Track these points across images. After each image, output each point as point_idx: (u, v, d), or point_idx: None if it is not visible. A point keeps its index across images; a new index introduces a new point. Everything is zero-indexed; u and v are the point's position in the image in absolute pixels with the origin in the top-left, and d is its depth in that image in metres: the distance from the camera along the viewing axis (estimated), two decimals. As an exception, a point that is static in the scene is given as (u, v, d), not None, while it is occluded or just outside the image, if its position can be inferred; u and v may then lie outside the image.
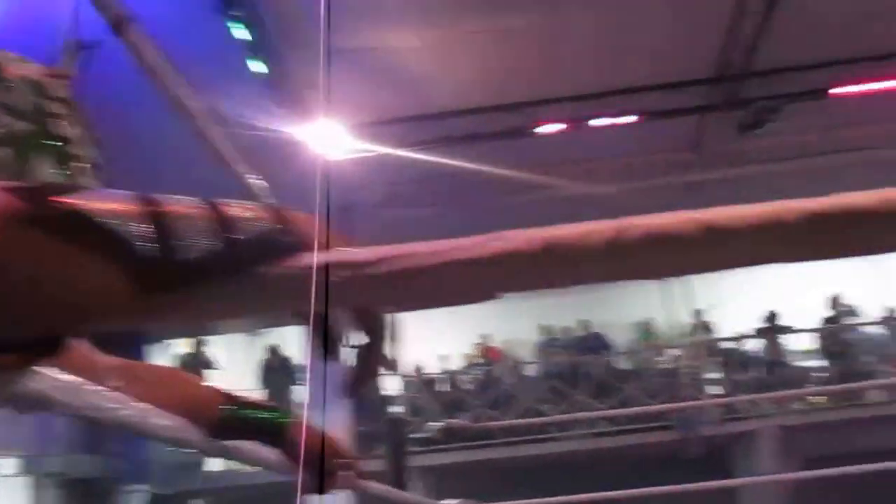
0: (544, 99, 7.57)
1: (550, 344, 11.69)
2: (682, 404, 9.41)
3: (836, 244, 0.59)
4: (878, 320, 10.50)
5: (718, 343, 10.87)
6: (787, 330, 10.43)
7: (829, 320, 10.49)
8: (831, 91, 7.63)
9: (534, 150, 8.11)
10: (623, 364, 11.45)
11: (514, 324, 11.84)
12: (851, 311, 10.75)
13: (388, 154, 7.62)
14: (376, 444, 6.48)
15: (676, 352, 10.95)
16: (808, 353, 10.75)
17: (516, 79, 7.46)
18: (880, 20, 6.75)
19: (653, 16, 6.85)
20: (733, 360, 10.52)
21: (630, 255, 0.58)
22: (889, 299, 10.58)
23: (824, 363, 10.39)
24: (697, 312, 11.21)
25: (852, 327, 10.50)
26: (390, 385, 9.97)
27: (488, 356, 11.51)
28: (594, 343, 11.42)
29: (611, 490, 5.43)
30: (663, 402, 9.88)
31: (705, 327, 11.14)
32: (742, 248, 0.59)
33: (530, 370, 11.62)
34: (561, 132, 7.77)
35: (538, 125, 7.80)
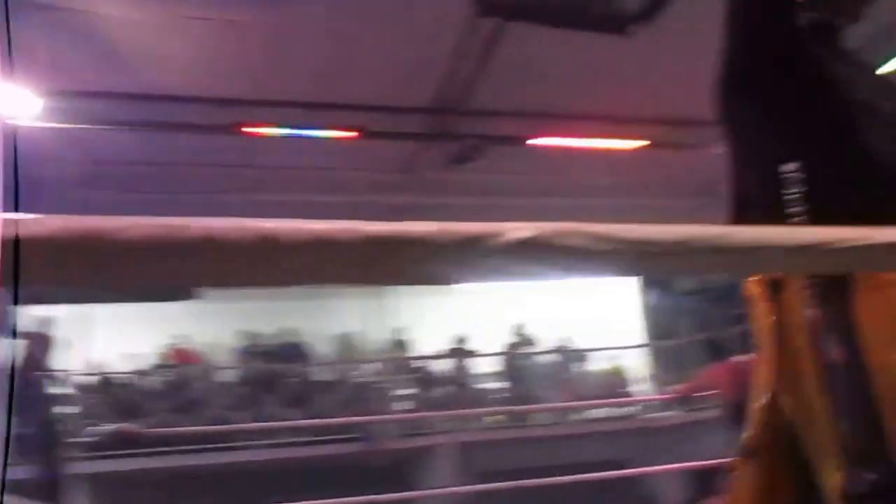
0: (262, 100, 7.43)
1: (249, 350, 11.46)
2: (370, 417, 9.64)
3: (391, 270, 0.60)
4: (552, 349, 11.52)
5: (412, 360, 11.30)
6: (474, 353, 11.10)
7: (511, 346, 11.33)
8: (531, 141, 8.30)
9: (247, 151, 7.94)
10: (320, 375, 11.51)
11: (214, 327, 11.47)
12: (531, 340, 11.71)
13: (88, 130, 7.03)
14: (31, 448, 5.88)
15: (372, 366, 11.22)
16: (490, 376, 11.52)
17: (236, 74, 7.24)
18: (584, 84, 7.44)
19: (382, 38, 6.98)
20: (423, 378, 10.98)
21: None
22: (562, 331, 11.67)
23: (504, 385, 11.19)
24: (396, 330, 11.58)
25: (531, 354, 11.43)
26: (61, 383, 9.14)
27: (181, 359, 11.00)
28: (293, 352, 11.37)
29: (294, 501, 5.37)
30: (354, 415, 10.07)
31: (402, 345, 11.53)
32: (297, 264, 0.57)
33: (225, 375, 11.29)
34: (276, 137, 7.68)
35: (252, 126, 7.64)
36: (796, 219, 1.39)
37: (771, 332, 1.49)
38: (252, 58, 6.96)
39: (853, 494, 1.31)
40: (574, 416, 10.93)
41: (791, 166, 1.44)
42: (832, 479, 1.33)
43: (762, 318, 1.52)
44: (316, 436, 10.08)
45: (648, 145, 8.55)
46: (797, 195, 1.42)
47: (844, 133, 1.48)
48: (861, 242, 0.72)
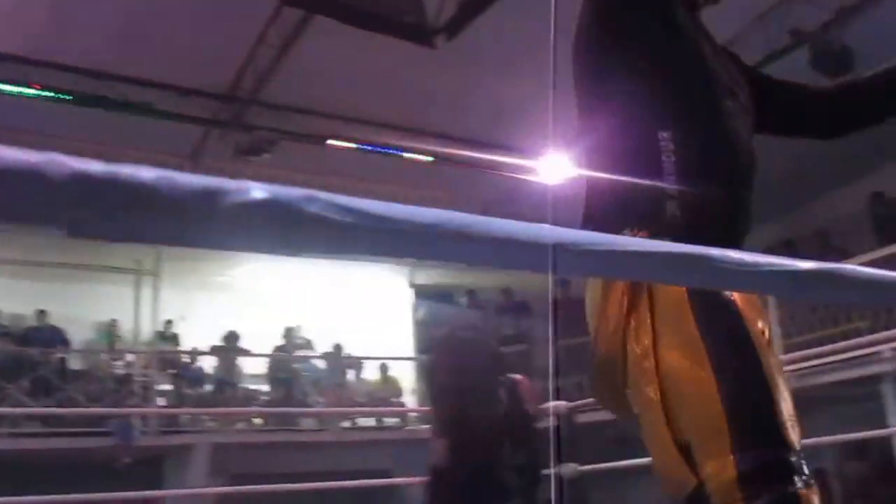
0: (42, 60, 6.87)
1: (-7, 331, 10.40)
2: (123, 410, 9.08)
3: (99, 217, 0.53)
4: (321, 355, 11.43)
5: (176, 355, 10.76)
6: (243, 351, 10.77)
7: (282, 348, 11.11)
8: (328, 141, 8.26)
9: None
10: (76, 363, 10.68)
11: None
12: (304, 343, 11.55)
13: None
14: None
15: (133, 358, 10.57)
16: (259, 377, 11.23)
17: (14, 31, 6.64)
18: (384, 90, 7.52)
19: (182, 16, 6.68)
20: (187, 374, 10.50)
21: None
22: (336, 337, 11.63)
23: (268, 388, 10.95)
24: (165, 322, 11.00)
25: (300, 358, 11.27)
26: None
27: None
28: (47, 336, 10.45)
29: (38, 494, 4.92)
30: (106, 407, 9.43)
31: (168, 338, 10.97)
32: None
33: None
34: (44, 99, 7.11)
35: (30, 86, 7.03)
36: (669, 186, 1.46)
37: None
38: (37, 17, 6.41)
39: (743, 474, 1.33)
40: (341, 424, 10.90)
41: (665, 134, 1.49)
42: (717, 461, 1.35)
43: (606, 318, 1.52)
44: (64, 427, 9.33)
45: (435, 160, 8.78)
46: (671, 162, 1.49)
47: (712, 109, 1.54)
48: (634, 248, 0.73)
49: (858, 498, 8.47)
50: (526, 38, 3.71)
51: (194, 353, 10.71)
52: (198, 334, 11.17)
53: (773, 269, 0.78)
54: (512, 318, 11.18)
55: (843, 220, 9.63)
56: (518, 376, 4.48)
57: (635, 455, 6.73)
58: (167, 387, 10.25)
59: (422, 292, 12.34)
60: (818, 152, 8.52)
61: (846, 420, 6.36)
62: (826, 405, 8.73)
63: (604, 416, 9.65)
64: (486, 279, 11.89)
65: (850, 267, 0.88)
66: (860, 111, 1.77)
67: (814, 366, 7.95)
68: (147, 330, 10.86)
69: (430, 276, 12.29)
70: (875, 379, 7.47)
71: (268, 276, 11.63)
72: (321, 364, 11.39)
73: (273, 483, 7.37)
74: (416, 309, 12.12)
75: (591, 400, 8.62)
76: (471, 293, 11.70)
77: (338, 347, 11.46)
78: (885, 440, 8.62)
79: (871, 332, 7.35)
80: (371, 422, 11.27)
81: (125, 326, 11.07)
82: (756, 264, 0.77)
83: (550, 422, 5.92)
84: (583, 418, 7.36)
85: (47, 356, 10.03)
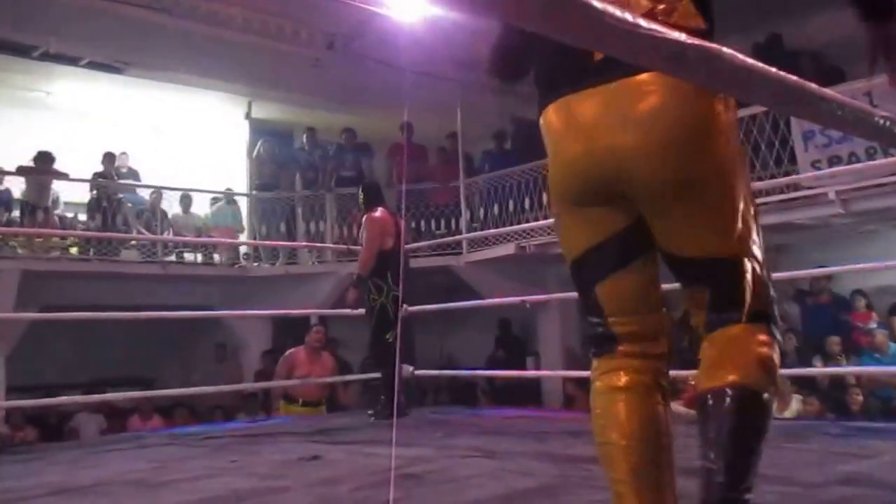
0: None
1: None
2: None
3: None
4: (146, 185, 10.87)
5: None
6: (56, 174, 10.03)
7: (99, 175, 10.45)
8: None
9: None
10: None
11: None
12: (128, 173, 10.92)
13: None
14: None
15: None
16: (75, 205, 10.58)
17: None
18: None
19: None
20: (-8, 195, 9.71)
21: None
22: (161, 166, 11.08)
23: (86, 217, 10.35)
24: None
25: (123, 186, 10.66)
26: None
27: None
28: None
29: None
30: None
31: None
32: None
33: None
34: None
35: None
36: None
37: None
38: None
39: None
40: (166, 258, 10.55)
41: None
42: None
43: None
44: None
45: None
46: None
47: None
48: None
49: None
50: None
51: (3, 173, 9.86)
52: (7, 155, 10.30)
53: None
54: (352, 159, 11.00)
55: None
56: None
57: (461, 300, 6.99)
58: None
59: (259, 127, 11.86)
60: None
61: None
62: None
63: (436, 262, 9.84)
64: (327, 118, 11.56)
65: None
66: None
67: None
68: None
69: (270, 110, 11.80)
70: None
71: (90, 95, 10.77)
72: (146, 194, 10.84)
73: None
74: (252, 144, 11.67)
75: (423, 244, 8.71)
76: (310, 131, 11.35)
77: (165, 179, 10.91)
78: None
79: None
80: (199, 257, 10.99)
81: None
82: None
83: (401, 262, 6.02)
84: (413, 263, 7.48)
85: None
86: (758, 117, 7.73)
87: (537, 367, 10.75)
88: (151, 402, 9.13)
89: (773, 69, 1.02)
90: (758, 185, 7.15)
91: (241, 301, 9.84)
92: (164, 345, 10.84)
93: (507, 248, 9.84)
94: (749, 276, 1.62)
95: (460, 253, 10.48)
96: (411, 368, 6.31)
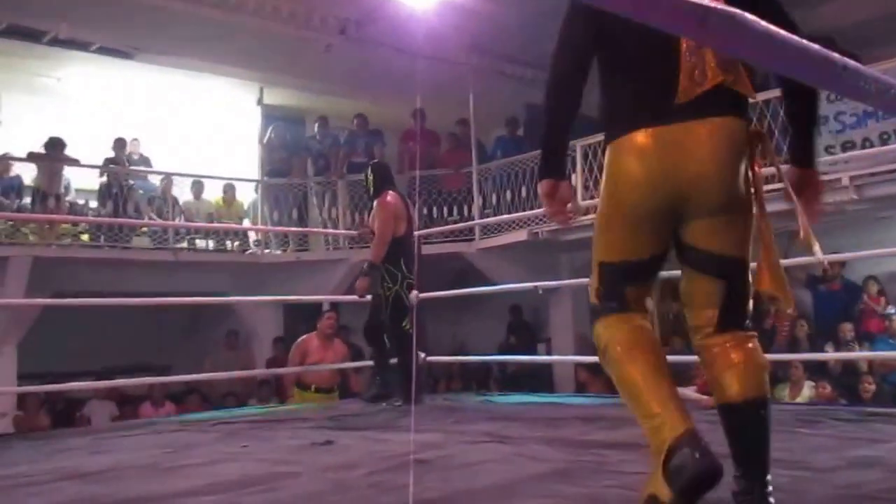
0: None
1: None
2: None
3: None
4: (158, 171, 10.89)
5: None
6: (67, 160, 10.05)
7: (110, 161, 10.46)
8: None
9: None
10: None
11: None
12: (139, 160, 10.92)
13: None
14: None
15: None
16: (86, 192, 10.60)
17: None
18: None
19: None
20: (1, 181, 9.72)
21: None
22: (172, 153, 11.09)
23: (97, 204, 10.37)
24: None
25: (134, 173, 10.67)
26: None
27: None
28: None
29: None
30: None
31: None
32: None
33: None
34: None
35: None
36: None
37: None
38: None
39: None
40: (178, 245, 10.55)
41: None
42: None
43: None
44: None
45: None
46: None
47: None
48: None
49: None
50: None
51: (7, 158, 9.86)
52: (17, 142, 10.32)
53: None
54: (364, 145, 10.97)
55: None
56: None
57: (472, 286, 6.98)
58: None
59: (271, 113, 11.84)
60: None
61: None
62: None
63: (448, 248, 9.79)
64: (339, 104, 11.53)
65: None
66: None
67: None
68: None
69: (282, 96, 11.77)
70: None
71: (101, 81, 10.77)
72: (157, 181, 10.85)
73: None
74: (264, 130, 11.65)
75: (435, 230, 8.67)
76: (322, 119, 11.31)
77: (177, 166, 10.92)
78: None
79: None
80: (210, 244, 11.00)
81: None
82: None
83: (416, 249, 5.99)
84: (425, 249, 7.46)
85: None
86: (771, 102, 7.65)
87: (548, 354, 10.73)
88: (163, 389, 9.18)
89: (795, 36, 1.02)
90: (770, 169, 7.10)
91: (253, 288, 9.84)
92: (176, 332, 10.88)
93: (520, 235, 9.81)
94: (749, 276, 2.10)
95: (472, 239, 10.45)
96: (423, 355, 6.30)
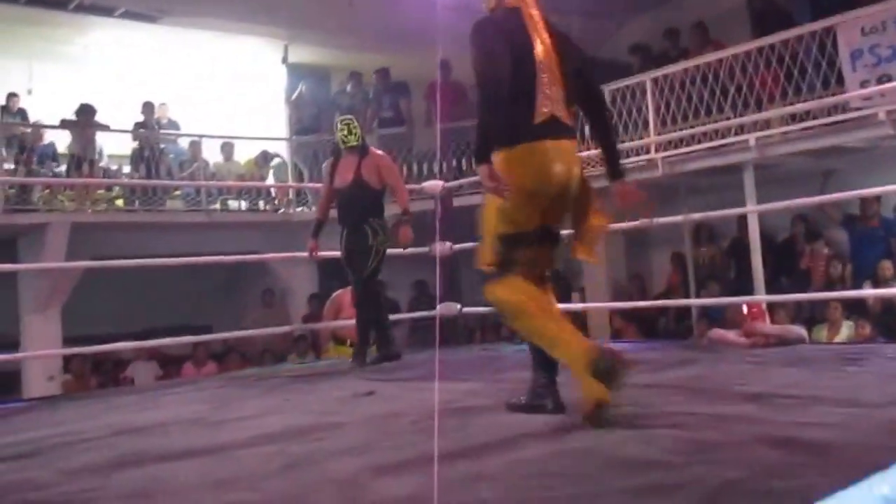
0: None
1: None
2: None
3: None
4: (188, 133, 10.89)
5: (24, 132, 9.97)
6: (99, 126, 10.08)
7: (140, 125, 10.49)
8: None
9: None
10: None
11: None
12: (168, 123, 10.93)
13: None
14: None
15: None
16: (117, 158, 10.66)
17: None
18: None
19: None
20: (36, 152, 9.79)
21: None
22: (201, 115, 11.08)
23: (130, 169, 10.43)
24: (9, 96, 10.08)
25: (165, 136, 10.70)
26: None
27: None
28: None
29: None
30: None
31: (14, 114, 10.10)
32: None
33: None
34: None
35: None
36: None
37: None
38: None
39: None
40: (211, 206, 10.59)
41: None
42: None
43: None
44: None
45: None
46: None
47: None
48: None
49: (709, 277, 9.11)
50: None
51: (40, 126, 9.90)
52: (47, 110, 10.36)
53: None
54: (390, 100, 10.87)
55: (722, 12, 9.66)
56: None
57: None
58: (13, 166, 9.54)
59: (297, 72, 11.76)
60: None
61: (707, 208, 6.72)
62: (691, 194, 9.14)
63: (476, 200, 9.70)
64: (364, 60, 11.41)
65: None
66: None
67: (684, 153, 8.21)
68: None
69: (306, 54, 11.68)
70: (738, 168, 7.78)
71: (127, 46, 10.74)
72: (187, 143, 10.87)
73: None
74: (290, 89, 11.58)
75: (465, 181, 8.60)
76: (356, 75, 11.19)
77: (206, 128, 10.91)
78: (735, 227, 9.21)
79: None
80: (243, 204, 11.03)
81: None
82: None
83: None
84: (456, 201, 7.41)
85: None
86: (804, 38, 7.44)
87: (583, 303, 10.68)
88: (205, 348, 9.31)
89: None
90: (804, 106, 6.93)
91: (286, 246, 9.83)
92: (214, 293, 10.99)
93: (549, 183, 9.70)
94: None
95: (503, 190, 10.37)
96: (458, 306, 6.29)
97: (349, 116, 5.69)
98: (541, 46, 2.86)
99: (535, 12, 2.95)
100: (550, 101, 2.83)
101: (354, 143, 5.45)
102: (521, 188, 2.75)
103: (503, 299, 2.81)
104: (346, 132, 5.44)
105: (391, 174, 5.51)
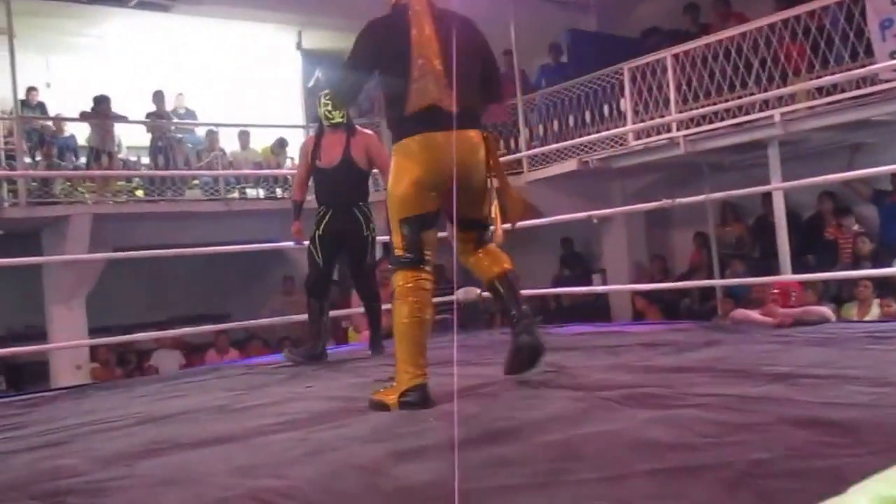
0: None
1: None
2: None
3: None
4: (204, 122, 10.95)
5: (43, 125, 10.06)
6: (117, 117, 10.16)
7: (152, 115, 10.54)
8: None
9: None
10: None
11: None
12: (185, 113, 10.99)
13: None
14: None
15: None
16: (136, 149, 10.74)
17: None
18: None
19: None
20: (56, 144, 9.89)
21: None
22: (216, 103, 11.13)
23: (149, 157, 10.51)
24: (28, 90, 10.16)
25: (182, 126, 10.75)
26: None
27: None
28: None
29: None
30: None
31: (34, 107, 10.19)
32: None
33: None
34: None
35: None
36: None
37: None
38: None
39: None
40: (229, 195, 10.66)
41: None
42: None
43: None
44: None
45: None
46: None
47: None
48: None
49: (734, 256, 9.05)
50: None
51: (64, 119, 10.00)
52: (66, 103, 10.45)
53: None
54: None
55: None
56: None
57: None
58: (34, 160, 9.65)
59: (311, 57, 11.75)
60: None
61: (731, 187, 6.64)
62: (714, 173, 9.07)
63: (494, 183, 9.61)
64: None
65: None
66: None
67: (706, 130, 8.14)
68: (6, 99, 9.89)
69: (321, 39, 11.67)
70: (762, 144, 7.70)
71: (141, 36, 10.79)
72: (203, 133, 10.92)
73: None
74: (306, 76, 11.58)
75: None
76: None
77: (222, 117, 10.96)
78: (760, 205, 9.12)
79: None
80: (261, 192, 11.08)
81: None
82: None
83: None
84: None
85: None
86: (831, 8, 7.33)
87: (604, 285, 10.66)
88: (226, 336, 9.40)
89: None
90: (831, 79, 6.83)
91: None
92: (235, 281, 11.07)
93: (570, 165, 9.67)
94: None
95: (521, 172, 10.35)
96: (478, 291, 6.29)
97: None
98: (419, 39, 3.02)
99: (420, 8, 3.10)
100: (426, 93, 2.98)
101: (339, 120, 5.13)
102: (411, 179, 3.01)
103: (399, 289, 3.05)
104: (330, 107, 5.12)
105: (381, 155, 5.10)
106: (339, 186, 5.07)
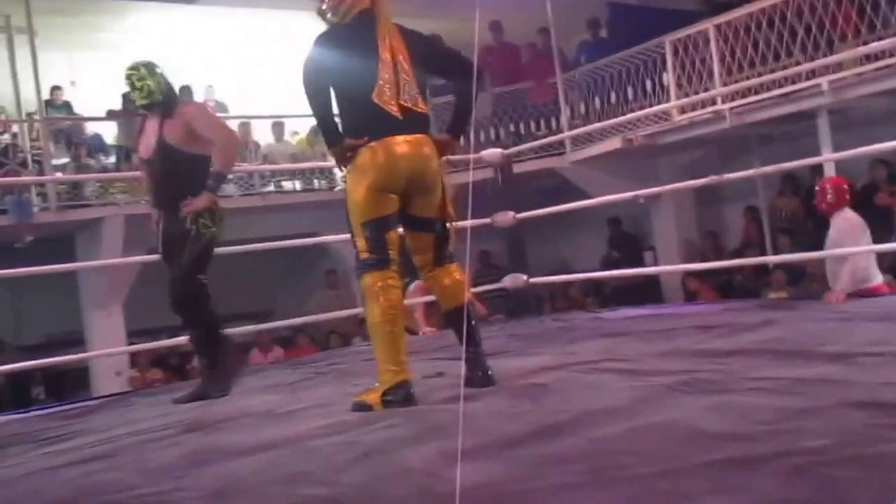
0: None
1: None
2: (15, 180, 8.74)
3: None
4: (236, 115, 11.03)
5: (71, 125, 10.25)
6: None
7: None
8: None
9: None
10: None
11: None
12: (216, 107, 11.09)
13: None
14: None
15: (18, 129, 9.97)
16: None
17: None
18: None
19: None
20: (84, 144, 10.07)
21: None
22: (245, 96, 11.18)
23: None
24: (52, 89, 10.37)
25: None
26: None
27: None
28: None
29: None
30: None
31: (59, 107, 10.40)
32: None
33: None
34: None
35: None
36: None
37: None
38: None
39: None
40: (265, 188, 10.77)
41: None
42: None
43: None
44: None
45: None
46: None
47: None
48: None
49: (786, 231, 8.94)
50: None
51: (91, 119, 10.15)
52: (91, 102, 10.61)
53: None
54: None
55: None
56: None
57: (568, 201, 6.93)
58: (63, 160, 9.82)
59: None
60: None
61: (780, 158, 6.55)
62: (763, 145, 8.95)
63: (539, 164, 9.68)
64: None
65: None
66: None
67: (753, 102, 8.04)
68: (30, 100, 10.09)
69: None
70: (811, 114, 7.59)
71: (166, 30, 10.92)
72: (236, 126, 11.04)
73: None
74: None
75: (524, 147, 8.57)
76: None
77: (256, 109, 11.07)
78: (815, 177, 8.98)
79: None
80: (297, 185, 11.17)
81: (3, 98, 10.38)
82: None
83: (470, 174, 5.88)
84: (516, 167, 7.40)
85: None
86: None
87: (655, 263, 10.61)
88: (268, 334, 9.51)
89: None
90: (880, 45, 6.64)
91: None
92: (277, 277, 11.20)
93: (613, 143, 9.62)
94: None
95: (564, 153, 10.32)
96: (525, 277, 6.31)
97: (135, 64, 4.44)
98: (387, 52, 3.24)
99: (384, 21, 3.36)
100: (389, 99, 3.17)
101: (144, 101, 4.27)
102: (371, 182, 3.17)
103: (369, 291, 3.19)
104: (130, 88, 4.31)
105: (200, 122, 4.19)
106: (159, 181, 4.24)
